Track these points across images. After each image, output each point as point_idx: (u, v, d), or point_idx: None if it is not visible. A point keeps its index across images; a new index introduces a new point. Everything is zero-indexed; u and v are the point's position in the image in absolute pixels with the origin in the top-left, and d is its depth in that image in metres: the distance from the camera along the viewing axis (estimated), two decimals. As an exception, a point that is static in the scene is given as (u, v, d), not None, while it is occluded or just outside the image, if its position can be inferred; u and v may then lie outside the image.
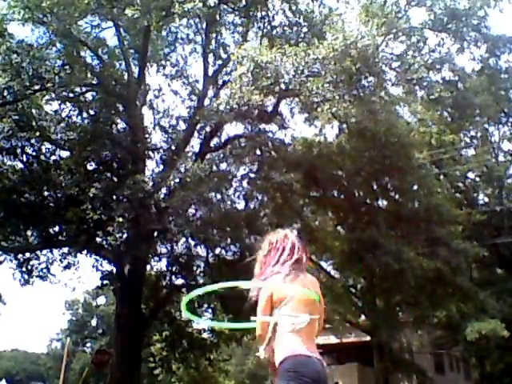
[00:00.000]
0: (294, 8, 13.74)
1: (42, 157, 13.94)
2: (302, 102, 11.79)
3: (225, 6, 14.12)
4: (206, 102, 14.84)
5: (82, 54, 13.42)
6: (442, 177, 20.08)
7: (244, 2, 13.76)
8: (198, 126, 14.51)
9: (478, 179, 23.44)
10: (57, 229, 14.08)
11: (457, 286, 16.04)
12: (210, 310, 17.10)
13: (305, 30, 13.73)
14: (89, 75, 13.51)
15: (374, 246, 14.59)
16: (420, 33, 14.29)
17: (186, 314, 3.08)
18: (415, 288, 15.30)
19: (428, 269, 14.44)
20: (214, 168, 14.08)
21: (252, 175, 15.52)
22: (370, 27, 11.59)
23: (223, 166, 15.04)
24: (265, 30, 14.10)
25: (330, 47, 10.55)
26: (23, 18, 11.05)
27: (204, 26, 14.70)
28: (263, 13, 13.90)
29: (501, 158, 23.55)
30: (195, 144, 15.46)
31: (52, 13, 11.18)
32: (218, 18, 14.32)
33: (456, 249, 15.83)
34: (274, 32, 14.08)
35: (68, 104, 14.10)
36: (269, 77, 10.76)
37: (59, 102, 13.92)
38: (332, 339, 21.18)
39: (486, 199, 23.76)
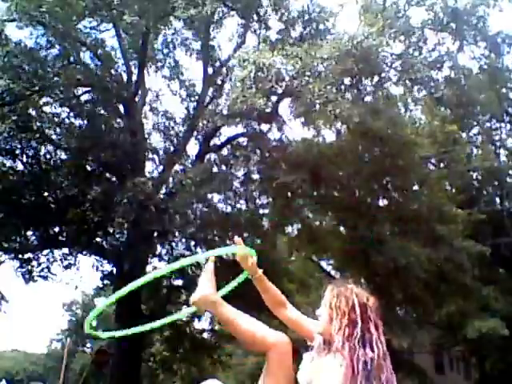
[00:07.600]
0: (287, 7, 13.70)
1: (42, 158, 13.90)
2: (303, 103, 11.76)
3: (223, 8, 14.09)
4: (206, 102, 14.81)
5: (82, 55, 13.39)
6: (444, 175, 19.99)
7: (241, 3, 13.72)
8: (198, 127, 14.48)
9: (480, 178, 23.37)
10: (57, 229, 14.07)
11: (460, 284, 16.00)
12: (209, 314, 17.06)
13: (302, 30, 13.69)
14: (88, 76, 13.48)
15: (378, 243, 14.55)
16: (420, 32, 14.23)
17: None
18: (421, 283, 15.24)
19: (434, 262, 14.43)
20: (215, 169, 14.06)
21: (252, 176, 15.48)
22: (375, 28, 11.55)
23: (223, 166, 15.02)
24: (262, 32, 14.07)
25: (333, 47, 10.50)
26: (22, 21, 11.01)
27: (202, 26, 14.67)
28: (257, 15, 13.88)
29: (503, 157, 23.54)
30: (195, 145, 15.46)
31: (51, 15, 11.15)
32: (216, 19, 14.28)
33: (458, 247, 15.81)
34: (271, 34, 14.06)
35: (67, 105, 14.07)
36: (270, 79, 10.72)
37: (59, 103, 13.88)
38: (332, 339, 21.09)
39: (487, 198, 23.72)
